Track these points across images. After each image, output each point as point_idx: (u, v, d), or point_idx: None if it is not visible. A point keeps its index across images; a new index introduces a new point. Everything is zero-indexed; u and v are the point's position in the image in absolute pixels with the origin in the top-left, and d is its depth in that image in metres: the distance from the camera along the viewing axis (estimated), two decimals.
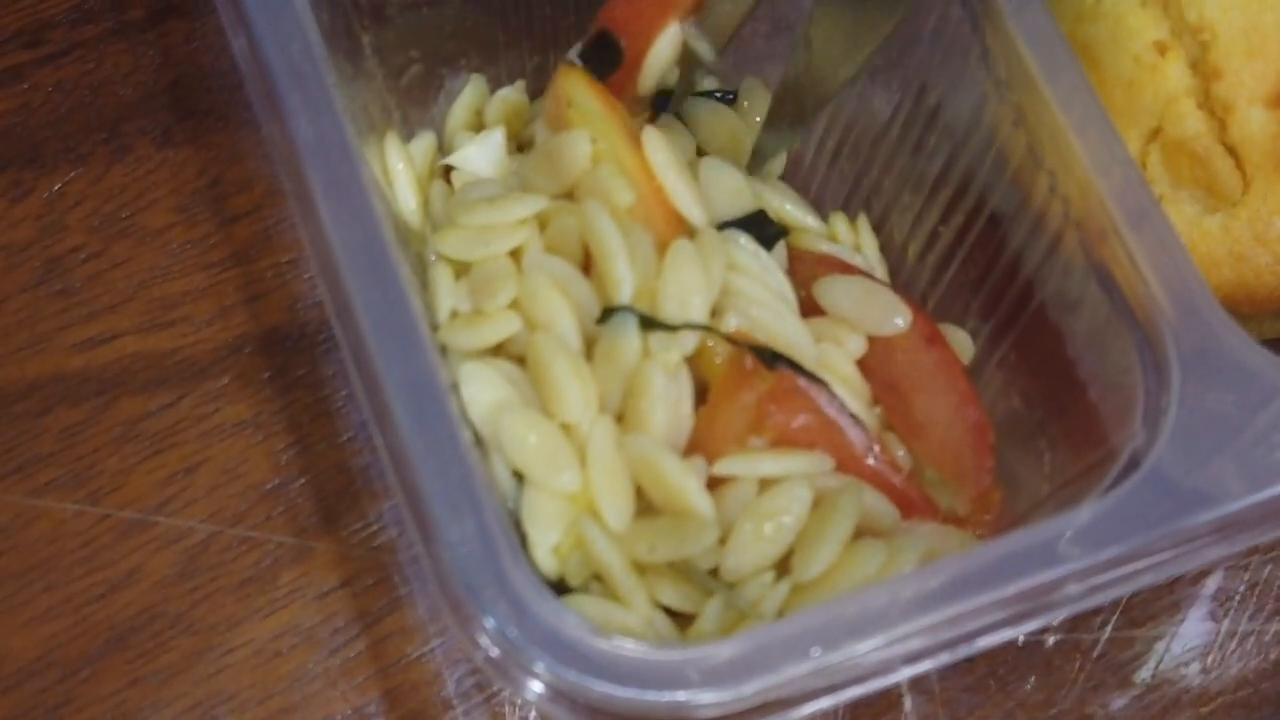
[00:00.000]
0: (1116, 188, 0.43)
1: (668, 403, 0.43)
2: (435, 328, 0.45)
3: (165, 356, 0.53)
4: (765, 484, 0.43)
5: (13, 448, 0.51)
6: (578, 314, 0.44)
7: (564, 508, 0.42)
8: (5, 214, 0.55)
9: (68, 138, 0.56)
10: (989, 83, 0.46)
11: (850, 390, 0.46)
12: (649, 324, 0.44)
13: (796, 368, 0.44)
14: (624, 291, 0.44)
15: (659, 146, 0.47)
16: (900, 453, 0.46)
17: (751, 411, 0.44)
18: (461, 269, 0.46)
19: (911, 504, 0.44)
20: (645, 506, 0.43)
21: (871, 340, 0.47)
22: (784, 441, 0.44)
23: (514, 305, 0.45)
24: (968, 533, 0.45)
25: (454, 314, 0.45)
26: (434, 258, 0.46)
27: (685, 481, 0.42)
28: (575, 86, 0.48)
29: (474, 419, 0.43)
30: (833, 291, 0.48)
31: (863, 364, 0.47)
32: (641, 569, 0.42)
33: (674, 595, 0.43)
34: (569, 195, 0.46)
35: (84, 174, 0.56)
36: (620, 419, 0.44)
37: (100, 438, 0.52)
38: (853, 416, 0.44)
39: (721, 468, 0.43)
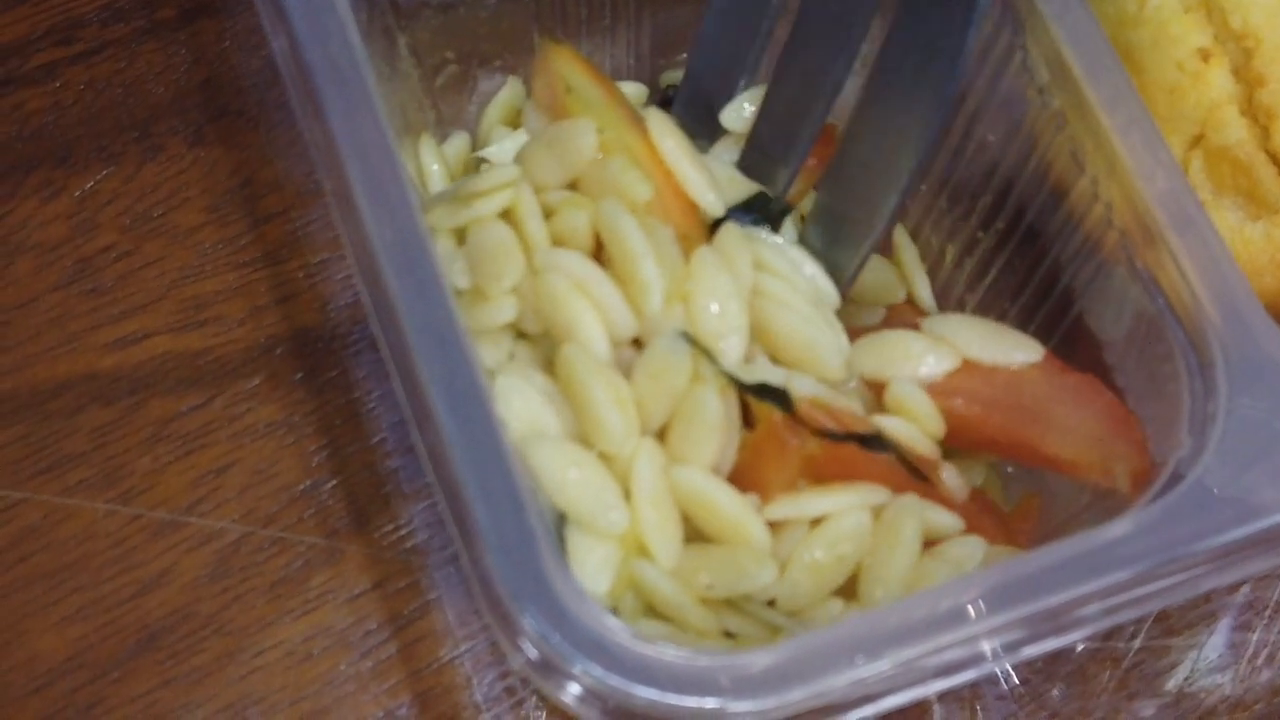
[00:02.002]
0: (1161, 192, 0.43)
1: (721, 430, 0.42)
2: None
3: (196, 356, 0.53)
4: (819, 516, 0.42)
5: (44, 447, 0.51)
6: (605, 321, 0.43)
7: (613, 549, 0.41)
8: (36, 213, 0.55)
9: (99, 136, 0.56)
10: (1031, 88, 0.46)
11: (917, 425, 0.44)
12: (704, 353, 0.42)
13: (859, 439, 0.43)
14: (653, 297, 0.43)
15: (667, 131, 0.45)
16: (957, 482, 0.45)
17: (798, 467, 0.43)
18: (461, 238, 0.45)
19: (972, 527, 0.44)
20: (691, 532, 0.42)
21: (986, 369, 0.45)
22: (835, 479, 0.43)
23: (517, 291, 0.43)
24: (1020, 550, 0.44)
25: (457, 292, 0.44)
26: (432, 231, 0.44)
27: (746, 518, 0.41)
28: (570, 69, 0.46)
29: (511, 434, 0.41)
30: (949, 325, 0.45)
31: (968, 389, 0.45)
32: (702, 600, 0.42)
33: (738, 624, 0.42)
34: (572, 186, 0.45)
35: (115, 173, 0.55)
36: (662, 438, 0.42)
37: (131, 438, 0.51)
38: (908, 464, 0.43)
39: (774, 512, 0.42)
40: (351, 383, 0.53)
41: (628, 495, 0.42)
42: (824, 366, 0.44)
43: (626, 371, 0.43)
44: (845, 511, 0.42)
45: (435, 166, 0.49)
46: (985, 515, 0.45)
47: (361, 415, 0.52)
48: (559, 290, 0.43)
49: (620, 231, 0.43)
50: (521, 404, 0.42)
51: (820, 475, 0.43)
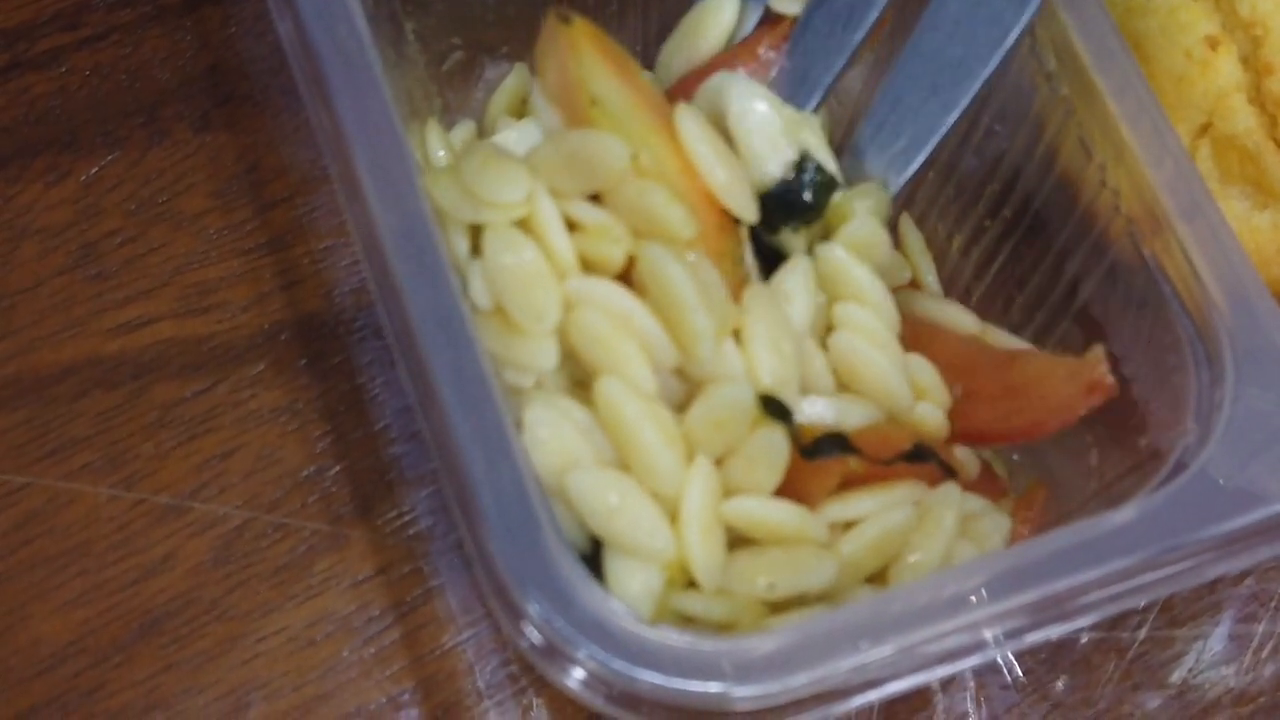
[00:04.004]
0: (1169, 179, 0.43)
1: (782, 469, 0.41)
2: None
3: (201, 342, 0.53)
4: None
5: (47, 431, 0.51)
6: (649, 356, 0.41)
7: (654, 576, 0.40)
8: (42, 197, 0.55)
9: (105, 121, 0.56)
10: (1039, 75, 0.46)
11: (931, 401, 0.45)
12: (775, 409, 0.42)
13: (911, 457, 0.43)
14: (704, 346, 0.41)
15: (699, 136, 0.43)
16: (973, 462, 0.45)
17: (839, 482, 0.42)
18: (475, 238, 0.43)
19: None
20: (734, 537, 0.41)
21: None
22: (876, 481, 0.42)
23: (558, 331, 0.42)
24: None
25: (475, 310, 0.42)
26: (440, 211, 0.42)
27: (806, 526, 0.41)
28: (594, 73, 0.43)
29: (538, 465, 0.40)
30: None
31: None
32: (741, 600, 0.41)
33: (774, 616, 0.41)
34: (594, 198, 0.43)
35: (121, 158, 0.55)
36: (718, 463, 0.41)
37: (135, 422, 0.51)
38: (943, 464, 0.44)
39: (827, 516, 0.41)
40: (356, 369, 0.53)
41: (671, 517, 0.40)
42: (893, 400, 0.44)
43: (669, 398, 0.42)
44: (891, 508, 0.42)
45: (441, 153, 0.49)
46: (989, 483, 0.46)
47: (365, 401, 0.52)
48: (598, 328, 0.41)
49: (668, 279, 0.41)
50: (550, 435, 0.40)
51: (862, 480, 0.42)
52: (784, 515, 0.41)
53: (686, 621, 0.41)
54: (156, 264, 0.54)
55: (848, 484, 0.42)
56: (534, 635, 0.37)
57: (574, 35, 0.44)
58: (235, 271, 0.54)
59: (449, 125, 0.52)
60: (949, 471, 0.44)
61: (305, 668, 0.49)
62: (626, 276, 0.42)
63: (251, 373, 0.53)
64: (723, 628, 0.41)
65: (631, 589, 0.40)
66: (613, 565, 0.40)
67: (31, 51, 0.57)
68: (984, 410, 0.45)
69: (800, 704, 0.38)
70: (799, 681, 0.37)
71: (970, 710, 0.50)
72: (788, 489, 0.41)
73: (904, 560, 0.42)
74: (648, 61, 0.54)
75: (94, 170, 0.55)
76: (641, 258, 0.41)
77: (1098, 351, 0.43)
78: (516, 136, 0.49)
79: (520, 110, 0.52)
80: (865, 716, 0.49)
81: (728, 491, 0.41)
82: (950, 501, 0.42)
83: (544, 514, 0.38)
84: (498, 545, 0.38)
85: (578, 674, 0.38)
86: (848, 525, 0.42)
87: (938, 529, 0.42)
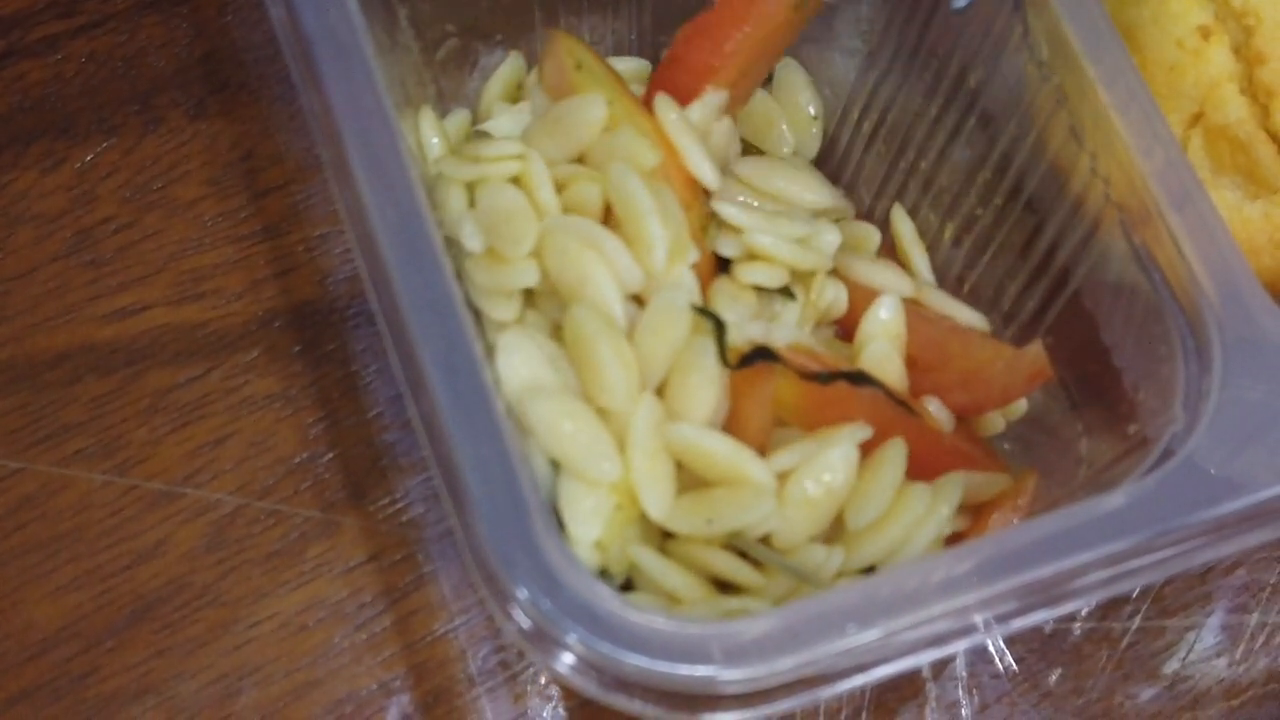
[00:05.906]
0: (1159, 169, 0.43)
1: (716, 382, 0.43)
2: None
3: (195, 329, 0.53)
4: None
5: (41, 417, 0.51)
6: (615, 275, 0.44)
7: (603, 499, 0.42)
8: (37, 184, 0.55)
9: (100, 109, 0.56)
10: (1030, 64, 0.46)
11: (892, 362, 0.46)
12: (708, 315, 0.44)
13: (845, 377, 0.44)
14: (658, 253, 0.44)
15: (670, 105, 0.47)
16: (943, 414, 0.46)
17: (772, 401, 0.44)
18: (471, 198, 0.46)
19: (961, 456, 0.45)
20: (689, 479, 0.43)
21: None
22: (828, 422, 0.44)
23: (534, 254, 0.44)
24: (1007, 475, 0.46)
25: (469, 255, 0.45)
26: (439, 176, 0.46)
27: (743, 458, 0.42)
28: (579, 50, 0.47)
29: (507, 394, 0.42)
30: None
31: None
32: (693, 553, 0.42)
33: (730, 568, 0.42)
34: (580, 160, 0.46)
35: (116, 145, 0.55)
36: (660, 393, 0.43)
37: (129, 408, 0.52)
38: (894, 398, 0.44)
39: (777, 463, 0.43)
40: (349, 356, 0.53)
41: (622, 448, 0.42)
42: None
43: (628, 332, 0.44)
44: (833, 443, 0.43)
45: (435, 139, 0.49)
46: (972, 444, 0.46)
47: (359, 389, 0.52)
48: (570, 247, 0.44)
49: (628, 191, 0.44)
50: (522, 360, 0.43)
51: (813, 420, 0.44)
52: (719, 445, 0.42)
53: (635, 570, 0.42)
54: (151, 251, 0.54)
55: (793, 419, 0.44)
56: (522, 619, 0.38)
57: (565, 35, 0.48)
58: (229, 259, 0.54)
59: (443, 113, 0.52)
60: (902, 406, 0.45)
61: (297, 654, 0.49)
62: (608, 225, 0.45)
63: (245, 360, 0.53)
64: (668, 594, 0.42)
65: (582, 509, 0.41)
66: (565, 488, 0.42)
67: (27, 39, 0.57)
68: (931, 383, 0.47)
69: (789, 688, 0.38)
70: (787, 665, 0.37)
71: (961, 699, 0.50)
72: (732, 424, 0.43)
73: (853, 502, 0.43)
74: (642, 49, 0.54)
75: (89, 157, 0.55)
76: (608, 178, 0.45)
77: (1038, 346, 0.45)
78: (509, 122, 0.50)
79: (515, 97, 0.52)
80: (856, 704, 0.49)
81: (672, 416, 0.43)
82: (895, 446, 0.43)
83: (532, 500, 0.38)
84: (486, 530, 0.38)
85: (566, 658, 0.38)
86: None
87: (882, 467, 0.43)
